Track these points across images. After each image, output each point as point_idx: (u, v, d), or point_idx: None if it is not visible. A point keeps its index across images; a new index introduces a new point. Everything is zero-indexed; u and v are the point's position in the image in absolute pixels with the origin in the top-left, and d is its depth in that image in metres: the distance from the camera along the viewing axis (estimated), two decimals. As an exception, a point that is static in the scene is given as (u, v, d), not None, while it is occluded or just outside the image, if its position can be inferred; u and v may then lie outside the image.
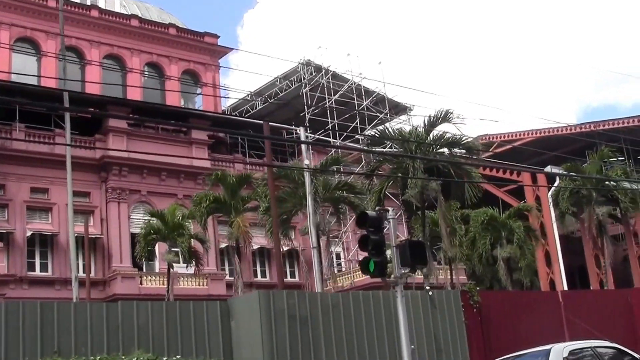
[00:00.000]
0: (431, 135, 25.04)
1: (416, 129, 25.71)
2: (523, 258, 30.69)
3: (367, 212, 16.81)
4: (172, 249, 33.01)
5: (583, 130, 63.07)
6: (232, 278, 42.07)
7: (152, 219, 31.85)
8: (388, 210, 15.96)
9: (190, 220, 33.76)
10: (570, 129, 64.12)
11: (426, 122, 24.79)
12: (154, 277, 38.51)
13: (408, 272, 16.00)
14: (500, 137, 66.91)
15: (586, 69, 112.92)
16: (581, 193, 31.76)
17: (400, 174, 23.86)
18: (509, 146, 63.26)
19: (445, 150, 25.73)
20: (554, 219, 41.70)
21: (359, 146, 34.53)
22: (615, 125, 61.60)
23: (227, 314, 19.22)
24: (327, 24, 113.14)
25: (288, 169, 26.06)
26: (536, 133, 65.96)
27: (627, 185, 31.74)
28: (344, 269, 44.06)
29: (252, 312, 17.67)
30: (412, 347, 16.32)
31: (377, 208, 16.47)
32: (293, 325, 17.67)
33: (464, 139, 25.31)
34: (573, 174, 31.04)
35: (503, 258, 30.11)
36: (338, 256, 45.09)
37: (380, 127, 33.10)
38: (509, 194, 43.59)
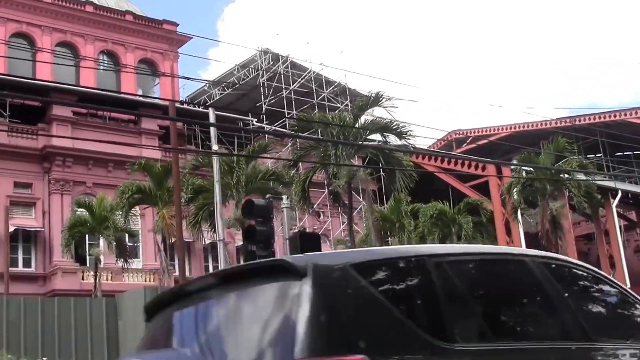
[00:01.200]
0: (363, 120, 23.15)
1: (341, 113, 23.76)
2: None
3: (254, 200, 14.96)
4: (112, 243, 31.01)
5: (559, 125, 61.45)
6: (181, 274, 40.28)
7: (80, 209, 29.81)
8: (281, 199, 14.16)
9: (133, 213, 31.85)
10: (547, 124, 62.51)
11: (349, 105, 22.86)
12: (98, 273, 36.56)
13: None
14: (475, 132, 65.27)
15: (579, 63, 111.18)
16: (534, 186, 29.82)
17: (327, 162, 21.86)
18: (485, 141, 61.73)
19: (384, 137, 23.79)
20: (519, 215, 39.72)
21: (289, 131, 32.22)
22: (593, 121, 60.03)
23: (114, 311, 17.46)
24: (308, 17, 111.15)
25: (195, 153, 23.88)
26: (512, 128, 64.36)
27: (582, 177, 29.79)
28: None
29: (137, 310, 15.94)
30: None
31: (267, 196, 14.51)
32: (182, 324, 15.83)
33: (394, 124, 23.38)
34: (523, 165, 29.03)
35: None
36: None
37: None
38: (476, 189, 41.65)
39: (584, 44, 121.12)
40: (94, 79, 44.94)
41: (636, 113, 57.39)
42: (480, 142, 63.27)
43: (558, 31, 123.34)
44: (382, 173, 29.66)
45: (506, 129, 63.72)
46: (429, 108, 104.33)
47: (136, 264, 38.63)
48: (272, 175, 23.66)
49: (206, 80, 45.78)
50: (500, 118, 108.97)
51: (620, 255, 45.29)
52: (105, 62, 46.89)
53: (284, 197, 14.12)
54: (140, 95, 39.36)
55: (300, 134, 21.61)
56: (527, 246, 40.68)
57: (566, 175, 28.87)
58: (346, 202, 24.61)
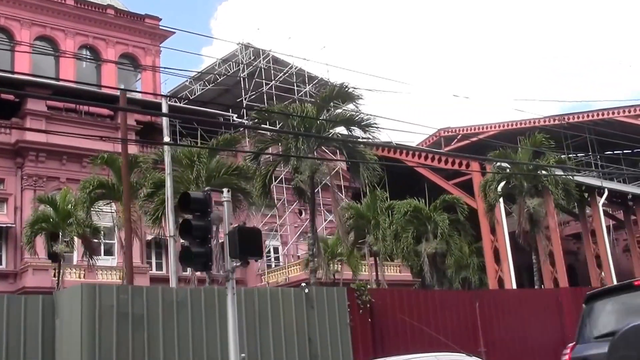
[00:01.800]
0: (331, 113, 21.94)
1: (304, 104, 22.59)
2: (450, 254, 27.54)
3: (191, 193, 13.82)
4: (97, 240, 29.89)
5: (548, 123, 60.39)
6: (160, 272, 39.27)
7: (43, 205, 28.67)
8: (222, 192, 13.04)
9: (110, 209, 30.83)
10: (536, 122, 61.43)
11: (310, 97, 21.67)
12: (70, 270, 35.49)
13: (239, 266, 12.97)
14: (464, 130, 64.23)
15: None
16: (511, 183, 28.68)
17: (286, 155, 20.61)
18: (474, 139, 60.79)
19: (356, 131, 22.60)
20: (503, 214, 38.65)
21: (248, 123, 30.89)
22: (581, 119, 58.97)
23: (52, 310, 16.23)
24: (292, 12, 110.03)
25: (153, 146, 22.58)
26: (501, 126, 63.29)
27: (564, 176, 28.62)
28: (281, 264, 40.98)
29: (74, 309, 14.83)
30: (243, 355, 13.34)
31: (205, 188, 13.36)
32: (124, 324, 14.75)
33: (359, 116, 22.19)
34: (501, 161, 27.85)
35: (429, 254, 27.01)
36: (276, 250, 41.99)
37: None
38: (460, 187, 40.52)
39: (578, 43, 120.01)
40: (74, 73, 43.78)
41: (624, 111, 56.34)
42: (469, 140, 62.44)
43: (551, 29, 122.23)
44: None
45: (495, 127, 62.69)
46: (418, 105, 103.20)
47: (111, 261, 37.57)
48: (235, 170, 22.49)
49: (187, 75, 44.58)
50: (492, 116, 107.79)
51: (607, 254, 44.25)
52: (86, 56, 45.67)
53: (225, 189, 12.87)
54: (114, 88, 38.04)
55: (262, 126, 20.38)
56: (511, 245, 39.65)
57: (544, 172, 27.68)
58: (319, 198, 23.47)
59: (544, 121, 60.51)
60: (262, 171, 21.02)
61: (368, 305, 18.21)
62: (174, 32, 46.71)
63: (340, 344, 17.64)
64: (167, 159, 17.01)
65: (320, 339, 17.34)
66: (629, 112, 56.40)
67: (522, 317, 22.40)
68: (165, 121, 18.18)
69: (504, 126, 62.76)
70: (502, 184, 31.01)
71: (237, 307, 16.41)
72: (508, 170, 28.69)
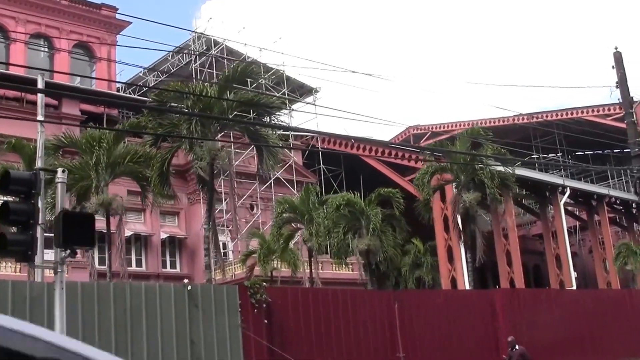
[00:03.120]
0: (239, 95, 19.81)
1: (203, 84, 20.47)
2: (382, 251, 25.53)
3: (12, 171, 11.84)
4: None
5: (518, 122, 58.53)
6: (103, 267, 37.27)
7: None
8: (56, 171, 11.12)
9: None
10: (506, 121, 59.58)
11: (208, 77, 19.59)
12: (6, 264, 33.39)
13: (67, 256, 10.97)
14: (433, 128, 62.30)
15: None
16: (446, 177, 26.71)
17: (175, 135, 18.40)
18: (445, 136, 58.89)
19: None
20: (457, 215, 36.65)
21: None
22: (550, 118, 57.10)
23: None
24: (251, 7, 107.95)
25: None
26: (471, 124, 61.28)
27: (501, 169, 26.60)
28: (231, 260, 38.89)
29: None
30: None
31: (35, 168, 11.32)
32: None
33: (262, 99, 20.09)
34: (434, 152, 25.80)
35: (361, 250, 25.00)
36: (225, 246, 39.87)
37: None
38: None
39: (559, 44, 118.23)
40: (24, 61, 41.58)
41: (593, 111, 54.44)
42: (439, 138, 60.52)
43: (532, 29, 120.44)
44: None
45: (465, 124, 60.61)
46: (391, 100, 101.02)
47: (50, 255, 35.36)
48: (141, 157, 20.45)
49: (142, 66, 42.38)
50: (471, 113, 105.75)
51: (567, 255, 42.31)
52: (37, 44, 43.47)
53: (60, 169, 10.84)
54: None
55: (161, 107, 18.34)
56: (466, 247, 37.65)
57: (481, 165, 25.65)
58: (236, 188, 21.35)
59: (513, 120, 58.74)
60: (158, 158, 18.91)
61: (264, 305, 16.17)
62: (131, 23, 44.68)
63: (229, 347, 15.63)
64: (40, 142, 14.94)
65: (206, 341, 15.32)
66: (598, 111, 54.50)
67: (450, 320, 20.43)
68: (39, 98, 16.16)
69: (474, 124, 60.84)
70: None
71: (105, 304, 14.46)
72: (450, 163, 26.66)
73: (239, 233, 34.36)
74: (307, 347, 16.93)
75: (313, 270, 27.29)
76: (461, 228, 32.66)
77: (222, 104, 18.74)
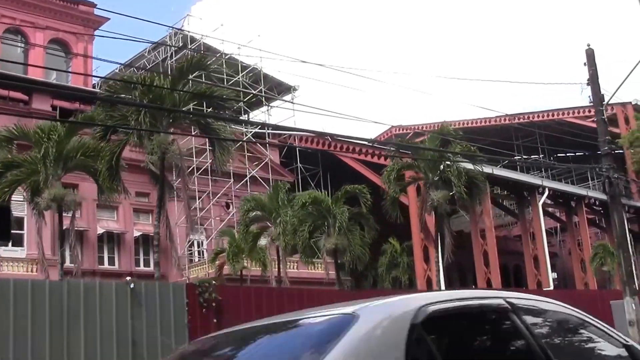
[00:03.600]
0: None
1: (154, 74, 19.62)
2: (350, 250, 24.76)
3: None
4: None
5: (499, 122, 57.94)
6: (73, 265, 36.48)
7: None
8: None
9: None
10: (488, 122, 59.01)
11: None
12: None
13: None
14: (416, 128, 61.61)
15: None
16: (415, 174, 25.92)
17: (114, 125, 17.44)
18: (426, 136, 58.29)
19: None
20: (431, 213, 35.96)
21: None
22: (531, 119, 56.49)
23: None
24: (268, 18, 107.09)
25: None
26: (453, 125, 60.67)
27: (470, 166, 25.82)
28: (205, 258, 38.06)
29: None
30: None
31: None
32: None
33: (216, 91, 19.28)
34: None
35: (329, 249, 24.23)
36: (200, 244, 39.05)
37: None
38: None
39: (539, 42, 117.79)
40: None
41: (574, 112, 53.84)
42: (421, 138, 59.95)
43: (515, 30, 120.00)
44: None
45: (449, 125, 59.94)
46: (376, 100, 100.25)
47: (20, 252, 34.61)
48: (93, 151, 19.60)
49: (118, 62, 41.43)
50: (455, 113, 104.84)
51: (545, 255, 41.68)
52: (12, 39, 42.53)
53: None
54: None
55: (112, 98, 17.47)
56: (435, 246, 36.96)
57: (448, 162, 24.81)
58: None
59: (495, 121, 58.10)
60: (107, 151, 18.03)
61: (214, 304, 15.38)
62: (109, 19, 43.77)
63: (174, 347, 14.80)
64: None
65: (148, 342, 14.52)
66: (579, 113, 53.86)
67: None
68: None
69: (455, 125, 60.21)
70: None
71: (39, 303, 13.67)
72: (409, 159, 25.92)
73: (213, 231, 33.63)
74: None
75: (282, 270, 26.46)
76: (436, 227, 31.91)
77: (174, 96, 17.97)
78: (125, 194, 20.95)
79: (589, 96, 21.47)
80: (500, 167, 53.51)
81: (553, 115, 55.21)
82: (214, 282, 15.46)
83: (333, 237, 24.01)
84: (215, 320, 15.44)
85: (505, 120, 56.76)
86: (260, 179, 37.89)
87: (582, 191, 46.66)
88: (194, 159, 37.36)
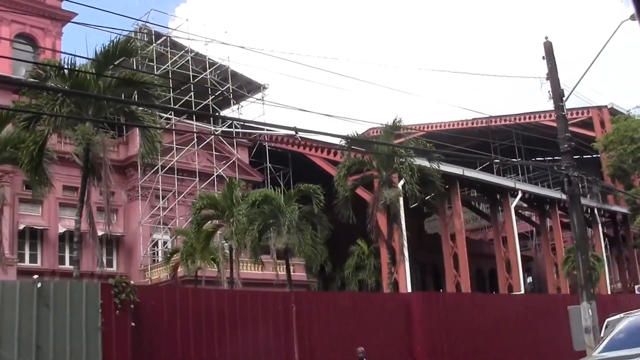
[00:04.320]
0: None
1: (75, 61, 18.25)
2: (299, 251, 23.49)
3: None
4: None
5: (476, 125, 56.91)
6: (34, 264, 35.23)
7: None
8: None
9: None
10: (464, 124, 57.93)
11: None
12: None
13: None
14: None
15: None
16: (367, 170, 24.62)
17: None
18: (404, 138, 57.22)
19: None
20: (402, 210, 34.65)
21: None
22: (508, 122, 55.44)
23: None
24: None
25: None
26: (430, 127, 59.72)
27: (423, 163, 24.53)
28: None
29: None
30: None
31: None
32: None
33: (141, 77, 17.96)
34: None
35: (279, 250, 22.93)
36: (165, 244, 37.65)
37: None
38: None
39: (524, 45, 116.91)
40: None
41: (550, 116, 52.55)
42: (399, 140, 58.76)
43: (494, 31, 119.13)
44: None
45: (424, 127, 58.97)
46: (358, 100, 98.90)
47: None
48: (21, 142, 18.21)
49: (85, 57, 39.93)
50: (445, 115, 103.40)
51: (516, 259, 40.49)
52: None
53: None
54: None
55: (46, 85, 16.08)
56: (410, 248, 35.71)
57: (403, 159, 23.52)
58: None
59: (472, 123, 57.04)
60: (30, 141, 16.65)
61: (132, 306, 14.03)
62: (77, 14, 42.44)
63: (85, 352, 13.47)
64: None
65: (56, 347, 13.15)
66: (554, 116, 52.60)
67: (358, 325, 18.35)
68: None
69: (432, 127, 59.24)
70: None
71: None
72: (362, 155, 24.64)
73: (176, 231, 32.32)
74: (183, 353, 14.82)
75: (235, 270, 25.11)
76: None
77: (99, 83, 16.65)
78: (49, 187, 19.50)
79: (549, 91, 20.33)
80: (479, 169, 52.76)
81: (530, 118, 54.09)
82: (132, 282, 14.11)
83: (284, 237, 22.73)
84: (133, 324, 14.11)
85: (482, 122, 55.75)
86: (228, 179, 36.53)
87: (555, 194, 45.50)
88: (158, 157, 36.04)
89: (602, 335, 18.34)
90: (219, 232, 24.93)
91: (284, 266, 35.98)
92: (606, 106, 51.36)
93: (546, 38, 20.91)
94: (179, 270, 28.86)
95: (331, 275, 40.39)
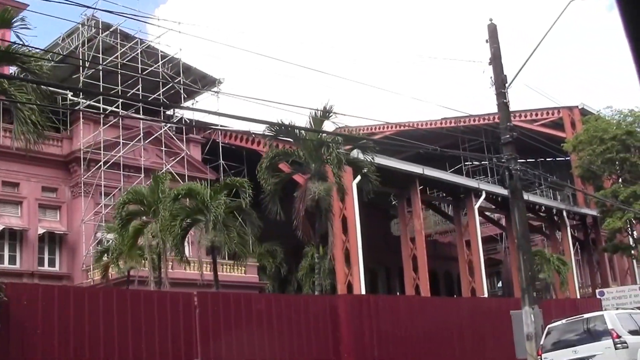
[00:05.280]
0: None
1: None
2: (226, 246, 21.74)
3: None
4: None
5: (445, 125, 55.37)
6: (13, 266, 33.46)
7: None
8: None
9: None
10: (433, 124, 56.39)
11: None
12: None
13: None
14: (362, 130, 58.76)
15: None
16: (294, 161, 22.80)
17: None
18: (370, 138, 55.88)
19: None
20: (357, 210, 33.09)
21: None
22: (477, 122, 53.91)
23: None
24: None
25: None
26: (398, 126, 58.00)
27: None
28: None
29: None
30: None
31: None
32: None
33: (18, 49, 16.16)
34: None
35: (206, 247, 21.16)
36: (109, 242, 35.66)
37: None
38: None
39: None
40: None
41: (520, 116, 51.18)
42: (361, 141, 57.32)
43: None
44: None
45: (392, 127, 57.30)
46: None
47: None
48: None
49: (36, 47, 37.98)
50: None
51: (480, 262, 38.86)
52: None
53: None
54: None
55: None
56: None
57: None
58: None
59: (440, 123, 55.54)
60: None
61: (-1, 306, 12.29)
62: (27, 5, 40.48)
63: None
64: None
65: None
66: (525, 116, 51.35)
67: (275, 329, 16.63)
68: None
69: (400, 127, 57.53)
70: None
71: None
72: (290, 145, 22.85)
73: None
74: (60, 355, 13.05)
75: (162, 270, 23.27)
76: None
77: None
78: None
79: (491, 77, 18.70)
80: (451, 171, 51.22)
81: (498, 118, 52.45)
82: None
83: (210, 233, 20.96)
84: (-2, 324, 12.35)
85: (451, 123, 54.25)
86: (177, 176, 34.70)
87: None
88: (102, 152, 34.26)
89: (542, 342, 16.75)
90: (146, 229, 23.07)
91: (231, 267, 34.32)
92: (577, 106, 49.92)
93: (490, 20, 19.35)
94: (110, 271, 26.99)
95: (287, 278, 38.68)
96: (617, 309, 17.69)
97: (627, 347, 15.27)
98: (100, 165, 33.52)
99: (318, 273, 23.40)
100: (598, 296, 28.79)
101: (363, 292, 32.38)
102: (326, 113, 21.93)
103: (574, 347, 15.78)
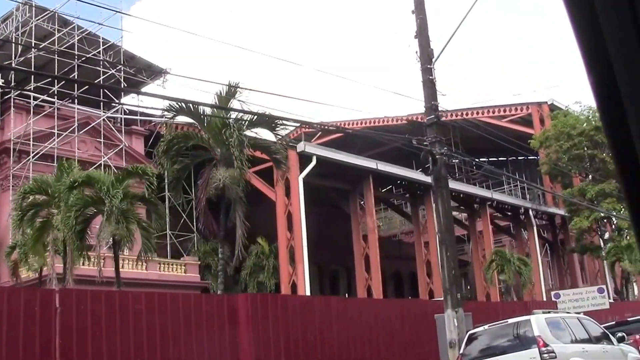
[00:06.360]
0: None
1: None
2: (127, 240, 19.59)
3: None
4: None
5: (411, 120, 53.29)
6: None
7: None
8: None
9: None
10: (400, 120, 54.31)
11: None
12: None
13: None
14: (329, 126, 56.61)
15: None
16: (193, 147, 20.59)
17: None
18: (338, 135, 54.18)
19: None
20: (302, 206, 30.96)
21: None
22: (446, 118, 51.77)
23: None
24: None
25: None
26: (367, 122, 55.98)
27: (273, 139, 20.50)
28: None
29: None
30: None
31: None
32: None
33: None
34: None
35: (107, 240, 19.06)
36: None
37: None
38: (260, 175, 32.62)
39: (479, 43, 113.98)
40: None
41: (489, 112, 49.23)
42: (333, 136, 55.57)
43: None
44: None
45: (360, 123, 55.26)
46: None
47: None
48: None
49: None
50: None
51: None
52: None
53: None
54: None
55: None
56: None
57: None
58: None
59: (407, 119, 53.48)
60: None
61: None
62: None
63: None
64: None
65: None
66: (493, 112, 49.32)
67: (159, 333, 14.43)
68: None
69: (369, 123, 55.45)
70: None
71: None
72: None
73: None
74: None
75: (68, 266, 21.03)
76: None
77: None
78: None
79: (416, 52, 16.59)
80: (420, 171, 49.13)
81: (466, 114, 50.45)
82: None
83: (111, 226, 18.76)
84: None
85: (417, 118, 52.15)
86: (115, 169, 32.45)
87: (485, 193, 42.00)
88: (31, 143, 31.94)
89: (461, 351, 14.62)
90: (53, 222, 20.82)
91: (168, 266, 32.05)
92: (546, 102, 47.93)
93: (417, -11, 17.27)
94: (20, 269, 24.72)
95: (235, 277, 36.44)
96: (549, 312, 15.49)
97: (555, 358, 13.11)
98: (30, 155, 31.24)
99: (222, 271, 21.11)
100: (553, 298, 26.72)
101: (308, 292, 30.23)
102: (232, 90, 19.68)
103: (496, 357, 13.61)
